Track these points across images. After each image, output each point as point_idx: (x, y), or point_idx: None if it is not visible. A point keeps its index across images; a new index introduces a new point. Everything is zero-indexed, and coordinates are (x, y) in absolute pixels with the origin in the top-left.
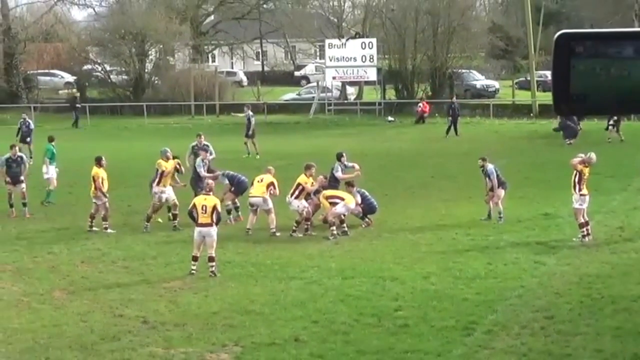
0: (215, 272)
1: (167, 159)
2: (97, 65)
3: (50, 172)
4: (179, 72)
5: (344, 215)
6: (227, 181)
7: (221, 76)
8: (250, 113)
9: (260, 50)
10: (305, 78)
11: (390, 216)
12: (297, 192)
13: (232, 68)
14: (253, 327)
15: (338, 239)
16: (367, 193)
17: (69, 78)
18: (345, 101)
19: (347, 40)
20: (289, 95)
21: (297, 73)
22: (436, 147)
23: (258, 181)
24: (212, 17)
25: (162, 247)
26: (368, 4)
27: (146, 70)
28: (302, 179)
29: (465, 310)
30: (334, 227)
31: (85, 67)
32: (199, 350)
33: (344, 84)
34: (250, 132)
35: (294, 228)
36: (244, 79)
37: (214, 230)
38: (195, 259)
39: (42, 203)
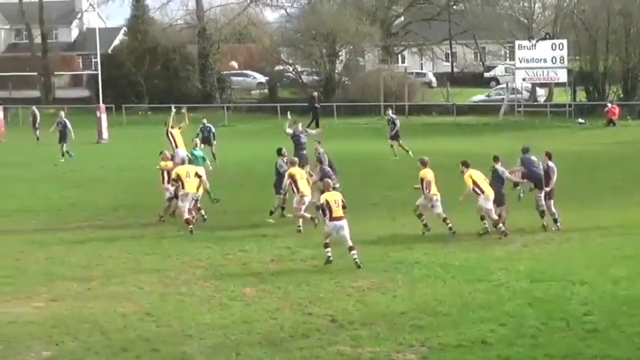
0: (359, 263)
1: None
2: (288, 66)
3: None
4: (369, 73)
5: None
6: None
7: (410, 77)
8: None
9: (449, 51)
10: (495, 79)
11: (580, 219)
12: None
13: (422, 69)
14: (440, 328)
15: (513, 240)
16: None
17: (261, 78)
18: (535, 103)
19: (537, 41)
20: (478, 96)
21: (486, 74)
22: (629, 150)
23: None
24: (402, 18)
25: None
26: (559, 5)
27: (336, 71)
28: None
29: None
30: (500, 225)
31: (276, 68)
32: (387, 350)
33: (533, 86)
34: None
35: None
36: (433, 80)
37: (346, 223)
38: (327, 245)
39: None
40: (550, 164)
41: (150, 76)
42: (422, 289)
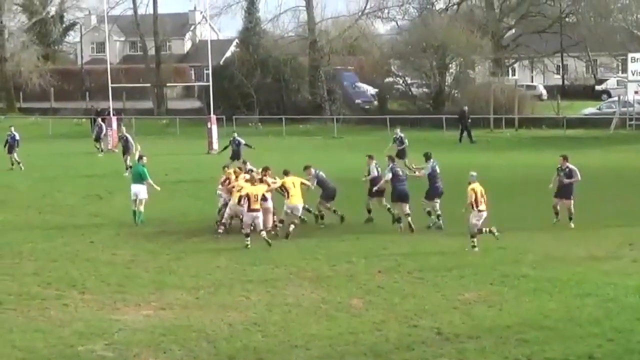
0: (269, 241)
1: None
2: (398, 78)
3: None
4: (479, 86)
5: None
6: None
7: (521, 90)
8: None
9: (560, 63)
10: (606, 92)
11: None
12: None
13: (532, 82)
14: (546, 343)
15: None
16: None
17: (371, 90)
18: None
19: None
20: (589, 109)
21: (598, 87)
22: None
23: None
24: (513, 31)
25: (458, 260)
26: None
27: (446, 84)
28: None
29: None
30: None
31: (386, 80)
32: None
33: None
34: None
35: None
36: (544, 92)
37: (261, 214)
38: (247, 235)
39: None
40: (571, 166)
41: (260, 87)
42: (529, 303)
